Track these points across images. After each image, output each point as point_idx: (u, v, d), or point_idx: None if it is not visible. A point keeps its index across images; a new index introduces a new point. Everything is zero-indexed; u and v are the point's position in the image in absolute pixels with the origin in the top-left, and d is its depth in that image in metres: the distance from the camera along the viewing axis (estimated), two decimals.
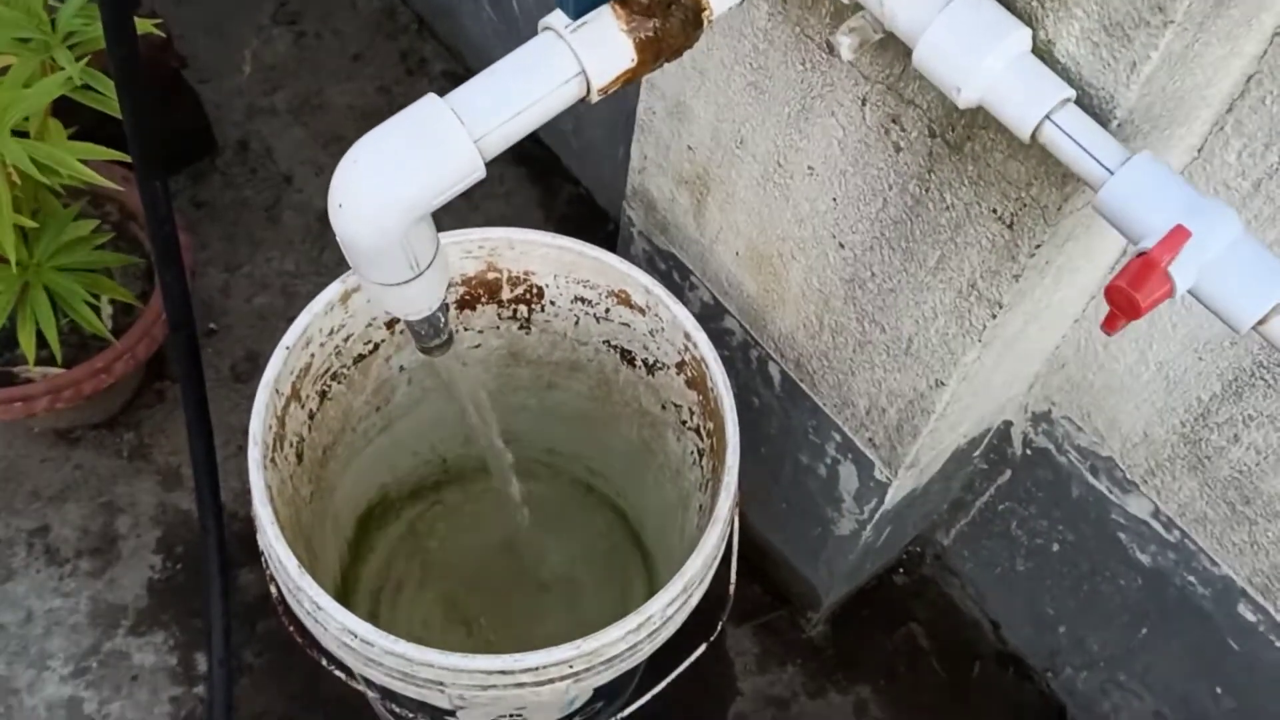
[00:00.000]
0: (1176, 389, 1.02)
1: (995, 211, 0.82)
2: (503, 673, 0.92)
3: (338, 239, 0.70)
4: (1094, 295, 1.03)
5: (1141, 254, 0.63)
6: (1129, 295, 0.63)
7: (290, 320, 1.07)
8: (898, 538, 1.39)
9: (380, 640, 0.92)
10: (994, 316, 0.89)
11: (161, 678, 1.40)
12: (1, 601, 1.43)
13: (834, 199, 0.96)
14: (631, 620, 0.94)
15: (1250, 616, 1.09)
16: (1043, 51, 0.72)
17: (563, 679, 0.96)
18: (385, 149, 0.67)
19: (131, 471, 1.53)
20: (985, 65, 0.69)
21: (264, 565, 1.08)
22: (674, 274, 1.25)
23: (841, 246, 0.99)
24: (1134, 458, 1.11)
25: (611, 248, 1.17)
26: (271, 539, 0.96)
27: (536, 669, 0.93)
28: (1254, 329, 0.64)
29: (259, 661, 1.42)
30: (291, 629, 1.09)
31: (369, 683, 1.12)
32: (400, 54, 1.94)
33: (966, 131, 0.81)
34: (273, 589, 1.09)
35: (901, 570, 1.53)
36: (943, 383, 0.98)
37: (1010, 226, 0.82)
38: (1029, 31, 0.71)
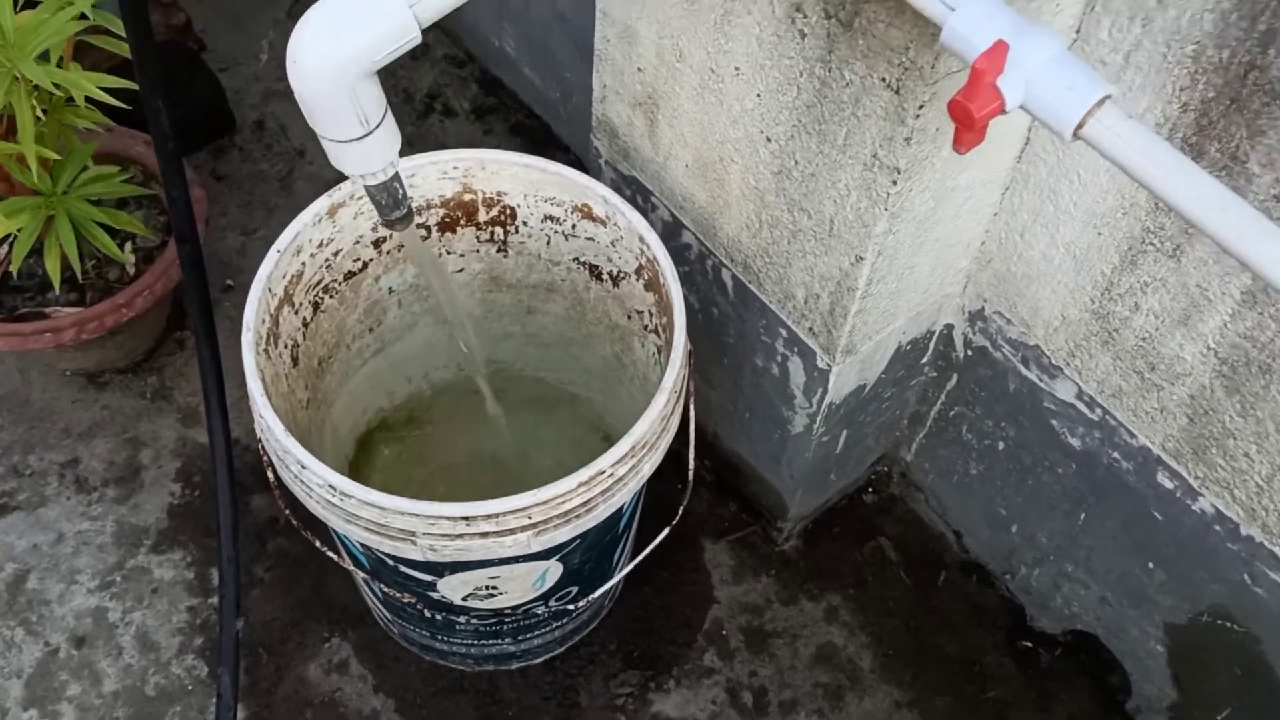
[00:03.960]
0: (1083, 267, 1.11)
1: (884, 80, 0.93)
2: (465, 519, 1.03)
3: (295, 94, 0.82)
4: (1007, 187, 1.13)
5: (972, 69, 0.74)
6: (964, 107, 0.74)
7: None
8: (857, 448, 1.48)
9: (356, 491, 1.03)
10: (894, 183, 0.99)
11: (179, 590, 1.51)
12: (35, 525, 1.55)
13: (758, 94, 1.07)
14: (584, 473, 1.05)
15: (1168, 484, 1.17)
16: None
17: (523, 529, 1.06)
18: (331, 11, 0.79)
19: (154, 411, 1.66)
20: None
21: (260, 451, 1.19)
22: (638, 198, 1.36)
23: (769, 140, 1.10)
24: (1056, 342, 1.20)
25: None
26: (261, 408, 1.07)
27: (496, 515, 1.03)
28: (1076, 134, 0.73)
29: (268, 575, 1.53)
30: (287, 512, 1.20)
31: (356, 561, 1.22)
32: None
33: (855, 7, 0.91)
34: (270, 474, 1.20)
35: (871, 490, 1.62)
36: (861, 257, 1.08)
37: (897, 92, 0.92)
38: None
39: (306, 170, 1.93)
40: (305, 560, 1.54)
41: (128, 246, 1.54)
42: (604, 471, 1.06)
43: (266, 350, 1.16)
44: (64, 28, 1.16)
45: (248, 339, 1.12)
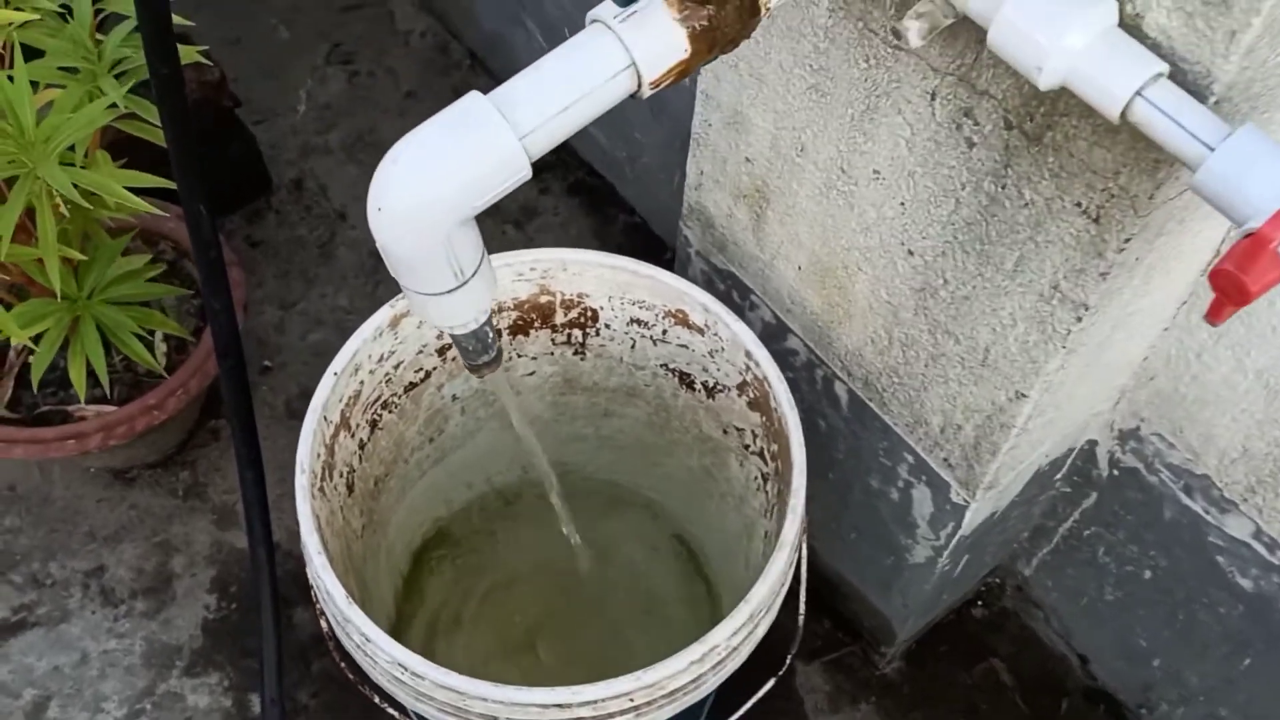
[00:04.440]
0: (1279, 399, 0.95)
1: (1080, 205, 0.77)
2: (560, 706, 0.87)
3: (378, 245, 0.67)
4: (1185, 300, 0.97)
5: (1250, 234, 0.58)
6: (1237, 279, 0.58)
7: None
8: (975, 567, 1.32)
9: (431, 673, 0.87)
10: (1079, 320, 0.83)
11: (215, 719, 1.36)
12: (57, 643, 1.41)
13: (902, 203, 0.91)
14: (695, 650, 0.89)
15: None
16: (1130, 24, 0.66)
17: (623, 713, 0.90)
18: (426, 147, 0.64)
19: (186, 510, 1.51)
20: (1068, 42, 0.64)
21: (314, 599, 1.04)
22: (733, 293, 1.21)
23: (911, 254, 0.94)
24: (1233, 475, 1.03)
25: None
26: (319, 569, 0.92)
27: (595, 702, 0.87)
28: None
29: (313, 702, 1.38)
30: (343, 665, 1.05)
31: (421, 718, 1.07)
32: (453, 90, 1.92)
33: (1046, 120, 0.75)
34: (323, 623, 1.05)
35: (980, 603, 1.45)
36: (1024, 394, 0.92)
37: (1096, 220, 0.76)
38: (1114, 4, 0.65)
39: (348, 235, 1.78)
40: (354, 685, 1.38)
41: (157, 334, 1.39)
42: (717, 646, 0.90)
43: (322, 488, 1.01)
44: (92, 121, 1.01)
45: (302, 482, 0.96)
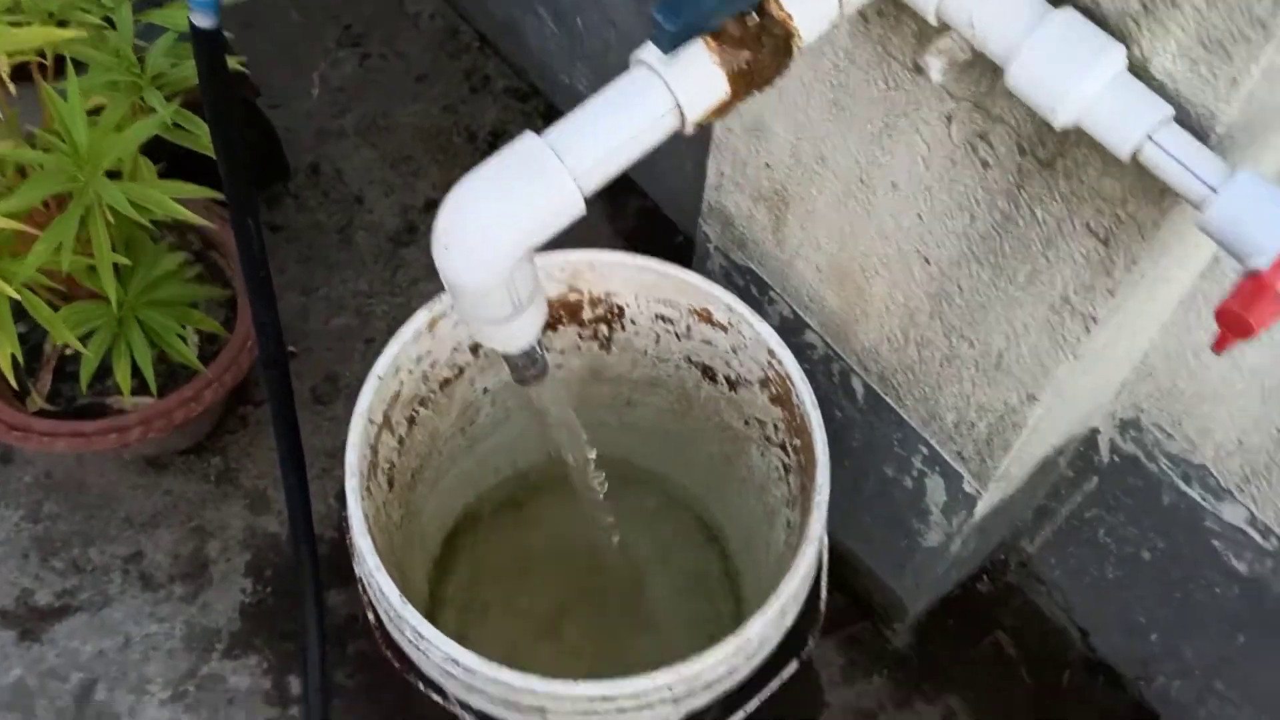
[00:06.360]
0: (1273, 398, 1.00)
1: (1089, 227, 0.82)
2: (605, 698, 0.93)
3: (443, 280, 0.71)
4: (1182, 300, 1.02)
5: (1253, 274, 0.63)
6: (1242, 318, 0.63)
7: (367, 341, 1.08)
8: (983, 547, 1.38)
9: (482, 668, 0.93)
10: (1088, 331, 0.88)
11: (257, 700, 1.42)
12: (100, 628, 1.46)
13: (919, 215, 0.96)
14: (731, 644, 0.95)
15: None
16: (1139, 69, 0.71)
17: (663, 703, 0.96)
18: (489, 191, 0.68)
19: (219, 496, 1.56)
20: (1082, 87, 0.69)
21: (361, 591, 1.10)
22: (752, 288, 1.26)
23: (927, 262, 0.99)
24: (1228, 465, 1.09)
25: (681, 259, 1.17)
26: (372, 569, 0.97)
27: (638, 695, 0.93)
28: None
29: (351, 682, 1.44)
30: (389, 654, 1.11)
31: (464, 705, 1.13)
32: (464, 73, 1.95)
33: (1058, 148, 0.80)
34: (369, 615, 1.10)
35: (986, 578, 1.52)
36: (1035, 397, 0.97)
37: (1105, 243, 0.81)
38: (1124, 50, 0.70)
39: (365, 220, 1.82)
40: (389, 665, 1.44)
41: (189, 327, 1.44)
42: (750, 638, 0.96)
43: (369, 488, 1.06)
44: (140, 135, 1.05)
45: (352, 485, 1.02)
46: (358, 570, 1.04)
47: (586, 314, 1.22)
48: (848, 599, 1.50)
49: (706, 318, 1.16)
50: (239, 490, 1.57)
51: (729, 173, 1.18)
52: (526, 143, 0.70)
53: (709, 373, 1.23)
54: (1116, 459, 1.22)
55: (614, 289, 1.18)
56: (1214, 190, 0.66)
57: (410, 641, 0.99)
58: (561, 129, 0.71)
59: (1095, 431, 1.22)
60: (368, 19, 2.02)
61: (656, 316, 1.20)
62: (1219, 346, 0.66)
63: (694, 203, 1.28)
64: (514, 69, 1.94)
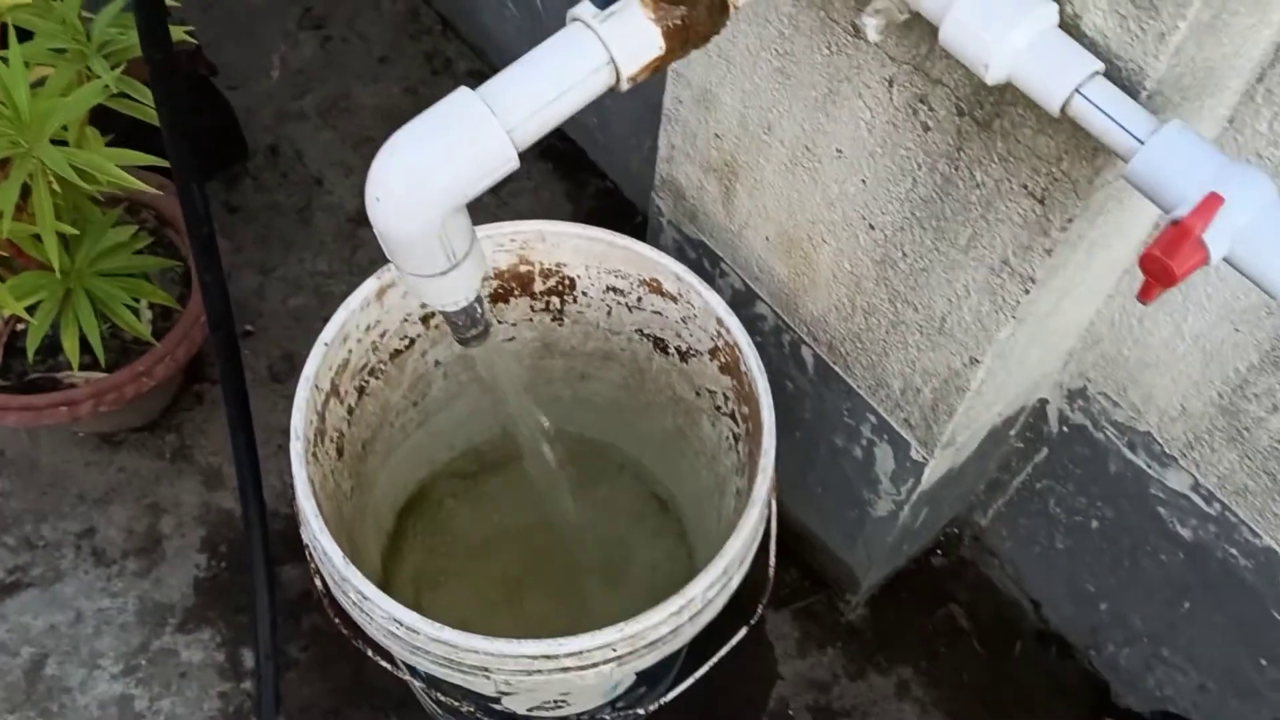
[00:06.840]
0: (1213, 361, 1.01)
1: (1026, 187, 0.83)
2: (547, 657, 0.93)
3: (375, 231, 0.71)
4: (1127, 270, 1.03)
5: (1175, 222, 0.64)
6: (1164, 263, 0.64)
7: (325, 320, 1.09)
8: (935, 519, 1.39)
9: (426, 628, 0.93)
10: (1027, 292, 0.89)
11: (210, 674, 1.42)
12: (52, 603, 1.45)
13: (863, 180, 0.97)
14: (673, 603, 0.95)
15: None
16: (1070, 25, 0.72)
17: (606, 662, 0.97)
18: (420, 142, 0.69)
19: (174, 473, 1.55)
20: (1012, 41, 0.70)
21: (309, 559, 1.09)
22: (704, 261, 1.26)
23: (872, 228, 0.99)
24: (1172, 431, 1.10)
25: (641, 239, 1.18)
26: (316, 531, 0.97)
27: (580, 653, 0.94)
28: None
29: (304, 656, 1.43)
30: (337, 620, 1.11)
31: (414, 671, 1.13)
32: (425, 55, 1.95)
33: (995, 108, 0.81)
34: (317, 581, 1.10)
35: (939, 552, 1.53)
36: (977, 360, 0.98)
37: (1042, 201, 0.82)
38: (1055, 6, 0.71)
39: (325, 200, 1.82)
40: (342, 639, 1.44)
41: (143, 302, 1.43)
42: (694, 599, 0.97)
43: (314, 454, 1.06)
44: (86, 102, 1.04)
45: (297, 449, 1.01)
46: (304, 537, 1.04)
47: (538, 286, 1.22)
48: (801, 573, 1.50)
49: (656, 288, 1.17)
50: (194, 467, 1.56)
51: (679, 144, 1.18)
52: (460, 96, 0.70)
53: (660, 344, 1.23)
54: (1065, 429, 1.23)
55: (565, 260, 1.18)
56: (1141, 142, 0.67)
57: (355, 605, 0.99)
58: (495, 83, 0.71)
59: (1044, 402, 1.23)
60: (329, 1, 2.01)
61: (608, 288, 1.20)
62: (1144, 295, 0.66)
63: (652, 182, 1.29)
64: (475, 51, 1.93)
